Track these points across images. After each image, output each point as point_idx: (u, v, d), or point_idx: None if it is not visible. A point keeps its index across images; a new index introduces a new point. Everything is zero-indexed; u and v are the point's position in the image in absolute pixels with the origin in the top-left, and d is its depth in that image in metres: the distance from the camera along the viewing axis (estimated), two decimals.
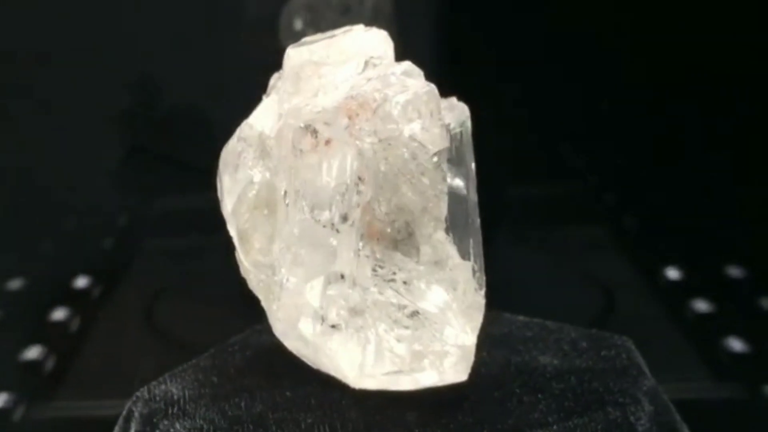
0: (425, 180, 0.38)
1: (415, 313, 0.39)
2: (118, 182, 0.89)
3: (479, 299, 0.40)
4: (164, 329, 0.76)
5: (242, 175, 0.41)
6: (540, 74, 0.85)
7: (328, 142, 0.38)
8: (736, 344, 0.74)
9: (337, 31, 0.41)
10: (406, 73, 0.39)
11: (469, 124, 0.41)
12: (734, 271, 0.84)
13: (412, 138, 0.38)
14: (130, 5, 0.82)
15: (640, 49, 0.85)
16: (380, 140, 0.38)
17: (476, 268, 0.40)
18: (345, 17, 0.79)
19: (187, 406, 0.42)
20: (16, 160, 0.83)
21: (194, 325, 0.75)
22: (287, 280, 0.40)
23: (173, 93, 0.87)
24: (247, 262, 0.42)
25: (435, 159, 0.38)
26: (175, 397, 0.43)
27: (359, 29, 0.41)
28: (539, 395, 0.42)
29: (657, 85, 0.85)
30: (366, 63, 0.40)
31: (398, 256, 0.39)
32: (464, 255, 0.39)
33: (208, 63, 0.83)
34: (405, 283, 0.39)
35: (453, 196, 0.40)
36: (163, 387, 0.44)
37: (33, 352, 0.73)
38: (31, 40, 0.81)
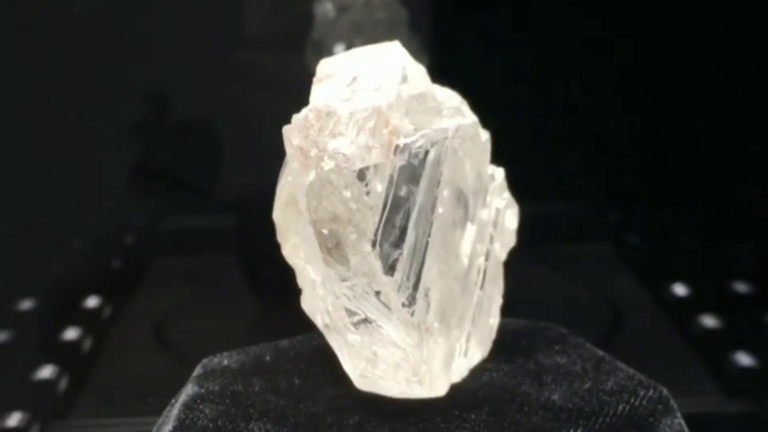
0: (346, 193, 0.39)
1: (363, 321, 0.41)
2: (125, 199, 0.89)
3: (405, 315, 0.40)
4: (175, 348, 0.77)
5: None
6: (546, 89, 0.86)
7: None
8: (744, 359, 0.75)
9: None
10: (382, 89, 0.40)
11: (451, 143, 0.41)
12: (741, 287, 0.85)
13: (335, 151, 0.39)
14: (139, 17, 0.83)
15: (645, 62, 0.86)
16: (320, 151, 0.39)
17: (405, 284, 0.40)
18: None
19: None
20: (21, 177, 0.84)
21: (205, 343, 0.76)
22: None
23: (182, 107, 0.87)
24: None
25: (354, 173, 0.39)
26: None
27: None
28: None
29: (662, 100, 0.86)
30: (354, 79, 0.41)
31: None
32: (390, 270, 0.40)
33: (219, 76, 0.84)
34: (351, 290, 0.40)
35: (399, 211, 0.40)
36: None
37: (46, 372, 0.73)
38: (38, 55, 0.82)
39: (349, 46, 0.79)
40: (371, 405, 0.42)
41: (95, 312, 0.83)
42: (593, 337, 0.75)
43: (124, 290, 0.86)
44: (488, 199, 0.44)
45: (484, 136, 0.44)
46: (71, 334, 0.79)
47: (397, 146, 0.39)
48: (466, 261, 0.42)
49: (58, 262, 0.88)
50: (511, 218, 0.44)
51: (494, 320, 0.45)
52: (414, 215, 0.39)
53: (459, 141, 0.41)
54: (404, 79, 0.40)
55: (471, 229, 0.42)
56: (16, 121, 0.81)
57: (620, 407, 0.42)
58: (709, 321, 0.80)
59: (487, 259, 0.43)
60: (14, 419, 0.69)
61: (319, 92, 0.41)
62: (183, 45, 0.81)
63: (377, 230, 0.39)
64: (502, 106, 0.82)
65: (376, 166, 0.39)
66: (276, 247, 0.43)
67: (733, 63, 0.82)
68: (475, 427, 0.41)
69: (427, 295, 0.40)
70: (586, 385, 0.44)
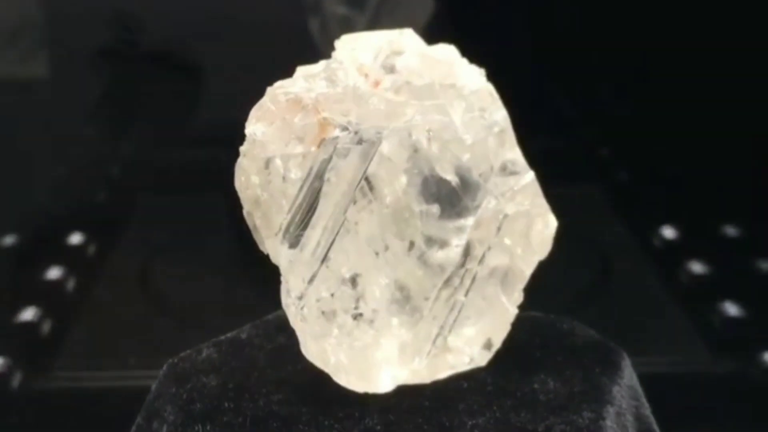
0: (254, 178, 0.40)
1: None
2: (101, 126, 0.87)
3: (316, 304, 0.40)
4: (162, 292, 0.76)
5: None
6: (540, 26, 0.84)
7: None
8: (731, 308, 0.75)
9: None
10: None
11: (417, 137, 0.40)
12: (731, 230, 0.85)
13: (250, 135, 0.40)
14: None
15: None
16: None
17: (311, 271, 0.40)
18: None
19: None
20: None
21: (194, 287, 0.75)
22: None
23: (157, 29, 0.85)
24: None
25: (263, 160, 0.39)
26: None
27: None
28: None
29: (654, 34, 0.84)
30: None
31: None
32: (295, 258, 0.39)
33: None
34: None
35: (312, 202, 0.39)
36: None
37: (28, 314, 0.73)
38: None
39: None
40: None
41: (79, 249, 0.82)
42: (581, 284, 0.76)
43: (109, 227, 0.84)
44: (490, 201, 0.41)
45: (499, 126, 0.41)
46: (54, 273, 0.77)
47: (323, 139, 0.39)
48: (443, 259, 0.40)
49: (36, 194, 0.86)
50: (538, 228, 0.42)
51: (478, 331, 0.42)
52: (328, 208, 0.39)
53: (430, 135, 0.40)
54: (390, 69, 0.40)
55: (454, 226, 0.40)
56: None
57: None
58: (697, 267, 0.80)
59: (480, 263, 0.41)
60: None
61: (305, 70, 0.41)
62: None
63: (286, 219, 0.39)
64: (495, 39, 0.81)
65: (304, 156, 0.39)
66: None
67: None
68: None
69: (354, 282, 0.39)
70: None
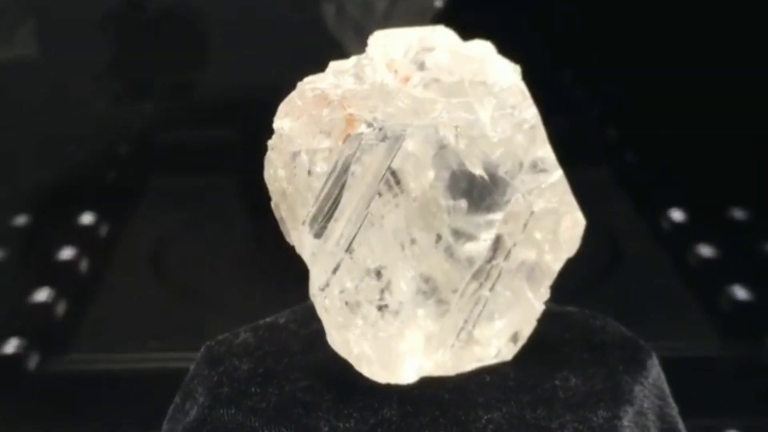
0: (281, 172, 0.40)
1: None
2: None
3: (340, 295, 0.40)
4: (176, 273, 0.76)
5: None
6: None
7: None
8: (740, 292, 0.75)
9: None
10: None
11: (444, 134, 0.40)
12: (738, 213, 0.85)
13: (277, 130, 0.40)
14: None
15: None
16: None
17: (334, 262, 0.40)
18: None
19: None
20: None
21: (208, 269, 0.76)
22: None
23: None
24: None
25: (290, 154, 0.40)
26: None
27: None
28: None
29: (664, 14, 0.84)
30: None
31: None
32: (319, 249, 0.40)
33: None
34: None
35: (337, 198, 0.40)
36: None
37: (42, 295, 0.73)
38: None
39: None
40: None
41: (91, 229, 0.82)
42: (590, 269, 0.76)
43: (120, 206, 0.85)
44: (519, 198, 0.41)
45: (529, 124, 0.41)
46: (67, 254, 0.78)
47: (348, 135, 0.39)
48: (471, 252, 0.41)
49: (45, 172, 0.86)
50: (566, 226, 0.42)
51: (505, 325, 0.42)
52: (352, 201, 0.39)
53: (458, 132, 0.40)
54: (420, 66, 0.40)
55: (483, 221, 0.41)
56: None
57: None
58: (705, 250, 0.80)
59: (507, 258, 0.41)
60: (11, 346, 0.69)
61: (336, 66, 0.41)
62: None
63: (310, 212, 0.40)
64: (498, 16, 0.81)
65: (330, 150, 0.39)
66: None
67: None
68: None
69: (379, 274, 0.40)
70: None
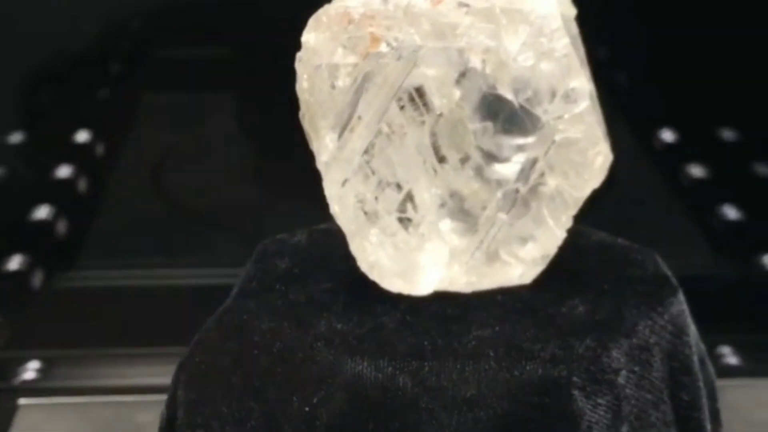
0: (304, 84, 0.41)
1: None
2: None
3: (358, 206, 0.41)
4: (175, 191, 0.76)
5: None
6: None
7: None
8: (731, 212, 0.76)
9: None
10: None
11: (472, 59, 0.41)
12: (728, 134, 0.86)
13: (304, 43, 0.41)
14: None
15: None
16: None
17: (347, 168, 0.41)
18: None
19: None
20: None
21: (206, 186, 0.76)
22: None
23: None
24: None
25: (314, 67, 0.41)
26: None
27: None
28: None
29: None
30: None
31: None
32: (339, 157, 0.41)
33: None
34: None
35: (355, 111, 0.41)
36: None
37: (42, 212, 0.73)
38: None
39: None
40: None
41: (87, 148, 0.82)
42: None
43: (116, 125, 0.84)
44: (547, 124, 0.41)
45: (561, 52, 0.42)
46: (64, 172, 0.78)
47: (368, 53, 0.40)
48: (501, 173, 0.41)
49: (40, 91, 0.85)
50: (593, 155, 0.42)
51: (528, 248, 0.43)
52: (368, 115, 0.40)
53: (485, 57, 0.40)
54: None
55: (514, 143, 0.41)
56: None
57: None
58: (696, 170, 0.81)
59: (534, 183, 0.42)
60: (15, 262, 0.69)
61: None
62: None
63: (329, 124, 0.41)
64: None
65: (353, 66, 0.40)
66: None
67: None
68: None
69: (400, 187, 0.41)
70: None
